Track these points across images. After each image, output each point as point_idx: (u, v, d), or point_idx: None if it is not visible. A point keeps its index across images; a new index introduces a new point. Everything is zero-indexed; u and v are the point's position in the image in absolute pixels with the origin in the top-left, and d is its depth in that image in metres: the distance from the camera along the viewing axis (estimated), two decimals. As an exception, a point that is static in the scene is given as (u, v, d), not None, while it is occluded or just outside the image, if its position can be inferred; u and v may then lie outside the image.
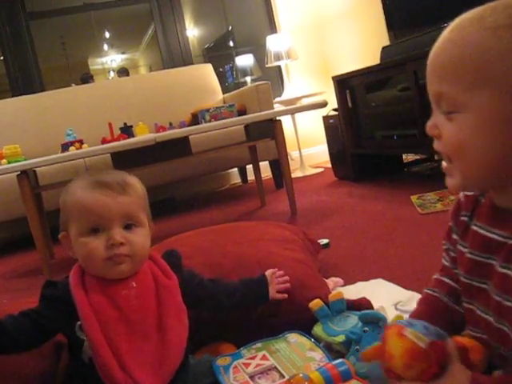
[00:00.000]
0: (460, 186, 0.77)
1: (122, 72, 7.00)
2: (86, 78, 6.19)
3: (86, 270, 1.04)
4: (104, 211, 1.02)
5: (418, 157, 3.87)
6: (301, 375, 1.01)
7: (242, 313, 1.32)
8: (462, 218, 0.84)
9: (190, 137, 2.98)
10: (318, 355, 1.16)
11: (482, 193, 0.81)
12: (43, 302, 1.03)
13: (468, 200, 0.84)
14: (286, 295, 1.33)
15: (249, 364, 1.15)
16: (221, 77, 4.99)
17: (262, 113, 3.11)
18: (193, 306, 1.15)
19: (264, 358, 1.17)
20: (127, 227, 1.04)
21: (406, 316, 1.26)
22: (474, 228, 0.79)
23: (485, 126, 0.68)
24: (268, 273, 1.34)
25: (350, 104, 3.61)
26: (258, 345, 1.24)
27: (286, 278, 1.36)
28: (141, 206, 1.09)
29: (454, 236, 0.87)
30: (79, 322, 0.99)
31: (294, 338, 1.25)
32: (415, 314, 0.96)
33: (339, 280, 1.69)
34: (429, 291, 0.97)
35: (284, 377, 1.09)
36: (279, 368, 1.12)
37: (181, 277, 1.13)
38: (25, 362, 1.09)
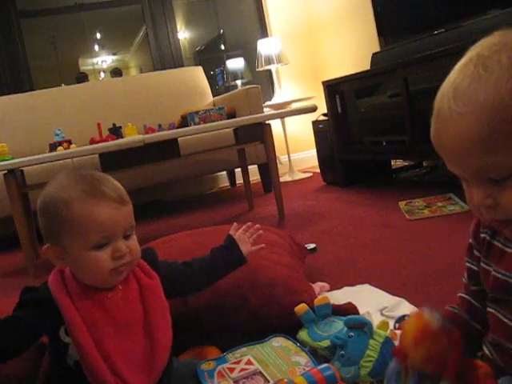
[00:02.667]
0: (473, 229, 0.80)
1: (116, 73, 6.98)
2: (82, 77, 6.17)
3: (83, 279, 1.02)
4: (113, 225, 1.00)
5: (406, 163, 3.88)
6: (285, 380, 1.00)
7: (226, 316, 1.32)
8: (483, 236, 0.82)
9: (178, 139, 2.97)
10: (304, 359, 1.15)
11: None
12: (25, 307, 1.00)
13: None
14: (263, 245, 1.30)
15: (233, 369, 1.14)
16: (211, 80, 4.99)
17: (252, 116, 3.11)
18: (175, 296, 1.16)
19: (249, 362, 1.16)
20: (126, 236, 1.04)
21: (391, 322, 1.27)
22: (497, 244, 0.78)
23: None
24: (235, 233, 1.30)
25: (339, 109, 3.62)
26: (243, 349, 1.23)
27: (257, 226, 1.32)
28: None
29: (476, 253, 0.85)
30: (64, 327, 0.98)
31: (279, 341, 1.24)
32: None
33: (325, 285, 1.68)
34: (450, 308, 0.94)
35: (269, 381, 1.08)
36: (264, 373, 1.11)
37: (160, 274, 1.13)
38: (5, 363, 1.08)
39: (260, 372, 1.12)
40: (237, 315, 1.33)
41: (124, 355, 0.99)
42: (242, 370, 1.13)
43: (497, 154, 0.63)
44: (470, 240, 0.87)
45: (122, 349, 0.99)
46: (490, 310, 0.80)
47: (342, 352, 1.13)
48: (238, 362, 1.16)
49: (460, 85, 0.66)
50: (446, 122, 0.67)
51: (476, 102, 0.63)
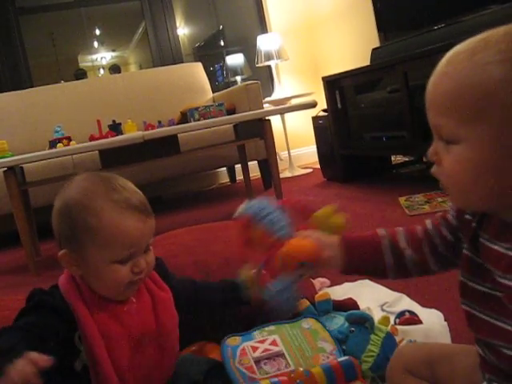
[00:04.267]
0: (458, 208, 0.81)
1: (115, 69, 6.97)
2: (80, 74, 6.15)
3: (97, 289, 1.00)
4: (140, 240, 0.98)
5: (406, 158, 3.88)
6: (302, 370, 1.00)
7: (227, 312, 1.32)
8: (468, 219, 0.82)
9: (178, 135, 2.97)
10: (330, 346, 1.14)
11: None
12: (40, 311, 0.96)
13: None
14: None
15: (257, 348, 1.13)
16: (211, 76, 4.98)
17: (252, 112, 3.11)
18: (185, 312, 1.14)
19: (273, 343, 1.15)
20: (145, 251, 1.02)
21: (392, 317, 1.27)
22: (482, 241, 0.78)
23: (480, 160, 0.69)
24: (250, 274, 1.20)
25: (339, 105, 3.61)
26: (272, 327, 1.22)
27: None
28: None
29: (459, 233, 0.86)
30: (77, 333, 0.97)
31: (309, 323, 1.23)
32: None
33: (326, 280, 1.69)
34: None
35: (290, 365, 1.08)
36: (287, 356, 1.11)
37: (171, 287, 1.11)
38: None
39: (283, 354, 1.12)
40: (237, 311, 1.33)
41: (135, 369, 0.99)
42: (266, 350, 1.12)
43: (448, 118, 0.70)
44: (450, 215, 0.87)
45: (133, 363, 0.99)
46: (465, 308, 0.80)
47: (344, 347, 1.13)
48: (262, 342, 1.16)
49: (458, 52, 0.72)
50: (434, 75, 0.74)
51: (458, 71, 0.70)
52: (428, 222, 0.93)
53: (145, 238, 0.99)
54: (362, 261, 0.93)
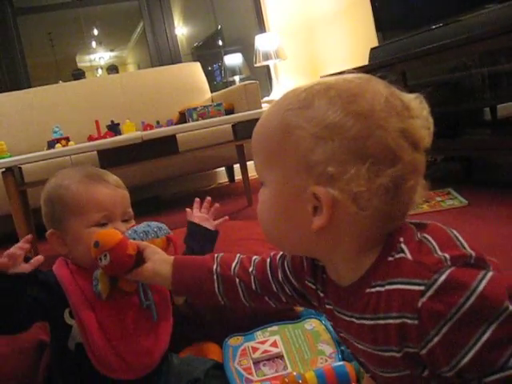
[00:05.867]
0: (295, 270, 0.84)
1: (112, 69, 6.96)
2: (78, 74, 6.15)
3: (85, 261, 1.04)
4: (112, 205, 1.05)
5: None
6: (294, 374, 1.00)
7: (226, 313, 1.32)
8: (313, 288, 0.82)
9: (177, 135, 2.97)
10: (329, 349, 1.15)
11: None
12: (36, 285, 1.01)
13: (311, 267, 0.82)
14: (226, 217, 1.32)
15: (257, 349, 1.15)
16: (209, 76, 4.98)
17: (250, 112, 3.11)
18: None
19: (274, 344, 1.16)
20: (124, 221, 1.08)
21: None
22: (328, 307, 0.78)
23: (273, 202, 0.71)
24: (193, 217, 1.29)
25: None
26: (274, 327, 1.24)
27: (208, 199, 1.33)
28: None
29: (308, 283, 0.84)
30: (68, 309, 1.00)
31: (312, 324, 1.24)
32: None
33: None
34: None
35: (287, 368, 1.09)
36: (285, 358, 1.12)
37: None
38: (5, 361, 1.08)
39: (282, 356, 1.13)
40: (236, 312, 1.33)
41: (127, 339, 1.01)
42: (265, 351, 1.14)
43: (256, 160, 0.74)
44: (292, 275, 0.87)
45: (124, 333, 1.01)
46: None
47: (343, 348, 1.13)
48: (263, 342, 1.17)
49: (278, 98, 0.76)
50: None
51: (265, 116, 0.75)
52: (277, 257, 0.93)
53: (117, 204, 1.06)
54: (190, 281, 0.92)
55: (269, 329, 1.23)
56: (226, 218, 1.31)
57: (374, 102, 0.66)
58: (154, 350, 1.05)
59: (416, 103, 0.69)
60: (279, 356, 1.13)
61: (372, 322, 0.67)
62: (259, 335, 1.20)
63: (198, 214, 1.29)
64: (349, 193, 0.63)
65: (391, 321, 0.64)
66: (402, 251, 0.65)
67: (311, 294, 0.82)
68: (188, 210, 1.32)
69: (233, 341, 1.18)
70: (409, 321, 0.62)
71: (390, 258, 0.66)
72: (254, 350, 1.14)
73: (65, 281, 1.01)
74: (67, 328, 1.00)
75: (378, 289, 0.66)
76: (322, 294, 0.79)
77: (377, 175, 0.63)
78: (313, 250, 0.72)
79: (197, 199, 1.32)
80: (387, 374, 0.70)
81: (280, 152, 0.68)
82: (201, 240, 1.25)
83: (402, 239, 0.66)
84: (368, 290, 0.68)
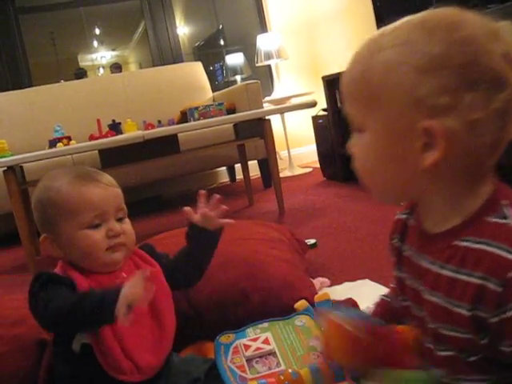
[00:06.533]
0: (377, 199, 0.82)
1: (116, 68, 6.95)
2: (80, 73, 6.14)
3: (82, 264, 1.04)
4: (104, 204, 1.04)
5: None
6: (290, 371, 1.00)
7: (226, 312, 1.32)
8: (394, 242, 0.84)
9: (178, 135, 2.97)
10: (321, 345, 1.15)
11: (408, 212, 0.82)
12: (53, 283, 0.99)
13: (398, 223, 0.85)
14: (232, 221, 1.29)
15: (249, 346, 1.14)
16: (211, 75, 4.98)
17: (251, 112, 3.11)
18: (175, 287, 1.16)
19: (266, 341, 1.16)
20: (119, 219, 1.07)
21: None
22: (406, 254, 0.79)
23: (378, 146, 0.70)
24: (196, 218, 1.26)
25: (339, 104, 3.61)
26: (265, 324, 1.23)
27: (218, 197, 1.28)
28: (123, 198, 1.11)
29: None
30: None
31: (302, 320, 1.24)
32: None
33: (326, 280, 1.68)
34: (383, 298, 0.99)
35: (281, 365, 1.08)
36: (278, 355, 1.12)
37: (161, 263, 1.15)
38: (6, 361, 1.08)
39: (274, 353, 1.13)
40: (237, 311, 1.33)
41: (134, 338, 1.01)
42: (258, 349, 1.13)
43: (352, 106, 0.74)
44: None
45: (131, 332, 1.01)
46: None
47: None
48: (255, 340, 1.17)
49: (365, 40, 0.73)
50: (347, 64, 0.76)
51: (358, 59, 0.72)
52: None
53: (110, 203, 1.05)
54: None
55: (259, 325, 1.23)
56: (232, 221, 1.27)
57: (474, 28, 0.66)
58: (161, 351, 1.05)
59: (506, 29, 0.68)
60: (272, 353, 1.13)
61: (452, 275, 0.67)
62: (250, 332, 1.20)
63: (202, 210, 1.26)
64: (466, 121, 0.63)
65: (473, 279, 0.64)
66: (505, 217, 0.65)
67: (392, 249, 0.83)
68: (187, 208, 1.28)
69: (224, 338, 1.17)
70: (492, 286, 0.62)
71: (491, 219, 0.66)
72: (247, 347, 1.14)
73: (78, 282, 1.01)
74: None
75: (467, 244, 0.66)
76: (399, 243, 0.80)
77: (490, 100, 0.63)
78: (416, 191, 0.72)
79: (202, 191, 1.28)
80: (443, 345, 0.70)
81: (381, 93, 0.67)
82: (204, 245, 1.23)
83: (504, 202, 0.67)
84: (456, 242, 0.68)
